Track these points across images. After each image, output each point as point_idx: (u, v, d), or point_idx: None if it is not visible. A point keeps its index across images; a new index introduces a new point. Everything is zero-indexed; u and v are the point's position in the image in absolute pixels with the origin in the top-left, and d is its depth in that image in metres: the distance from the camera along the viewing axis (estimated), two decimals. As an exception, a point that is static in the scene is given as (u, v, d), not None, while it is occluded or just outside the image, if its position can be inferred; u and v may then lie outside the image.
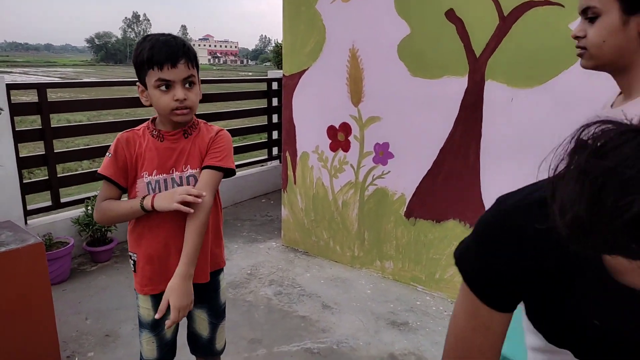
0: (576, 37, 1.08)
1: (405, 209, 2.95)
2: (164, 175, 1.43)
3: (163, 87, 1.33)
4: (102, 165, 1.42)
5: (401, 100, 2.82)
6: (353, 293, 2.94)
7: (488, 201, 2.63)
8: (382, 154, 2.99)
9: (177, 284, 1.35)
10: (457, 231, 2.77)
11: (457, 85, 2.60)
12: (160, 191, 1.42)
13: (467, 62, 2.55)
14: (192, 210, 1.35)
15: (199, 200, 1.35)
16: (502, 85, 2.47)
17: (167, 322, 1.35)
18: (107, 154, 1.42)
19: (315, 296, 2.89)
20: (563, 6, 2.23)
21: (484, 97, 2.54)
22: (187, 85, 1.36)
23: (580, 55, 1.09)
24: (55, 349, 2.19)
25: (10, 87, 2.92)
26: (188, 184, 1.45)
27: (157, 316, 1.36)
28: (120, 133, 1.45)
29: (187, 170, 1.44)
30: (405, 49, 2.75)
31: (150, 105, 1.40)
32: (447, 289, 2.87)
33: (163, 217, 1.42)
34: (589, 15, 1.02)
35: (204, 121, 1.53)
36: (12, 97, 2.96)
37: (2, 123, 2.68)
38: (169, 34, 1.38)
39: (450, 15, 2.56)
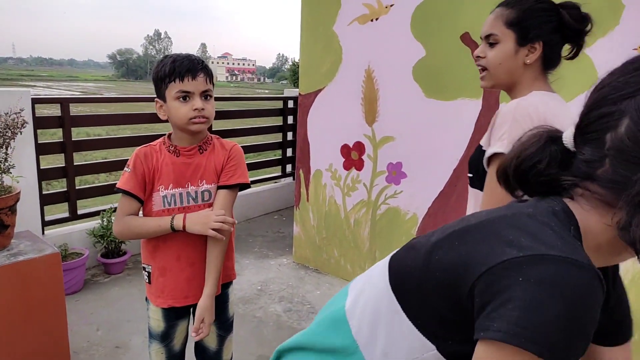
0: (477, 57, 1.36)
1: (417, 229, 2.94)
2: (180, 189, 1.47)
3: (182, 99, 1.40)
4: (121, 180, 1.46)
5: (415, 120, 2.84)
6: (363, 313, 2.92)
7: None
8: (395, 173, 3.00)
9: (209, 304, 1.46)
10: (469, 253, 2.75)
11: (471, 107, 2.62)
12: (175, 204, 1.47)
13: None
14: (224, 238, 1.44)
15: (232, 228, 1.46)
16: (516, 108, 2.48)
17: (199, 336, 1.47)
18: (126, 168, 1.46)
19: (325, 315, 2.88)
20: (578, 31, 2.24)
21: (498, 119, 2.54)
22: (205, 98, 1.43)
23: (482, 77, 1.36)
24: (66, 358, 2.21)
25: (35, 101, 3.01)
26: (203, 198, 1.50)
27: (195, 338, 1.48)
28: (138, 148, 1.49)
29: (203, 185, 1.49)
30: (420, 70, 2.78)
31: (167, 121, 1.47)
32: (459, 311, 2.83)
33: (181, 232, 1.46)
34: (491, 40, 1.32)
35: (217, 136, 1.58)
36: (35, 111, 3.06)
37: (25, 136, 2.76)
38: (189, 54, 1.46)
39: (466, 38, 2.59)
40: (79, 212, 3.43)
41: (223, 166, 1.51)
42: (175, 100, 1.40)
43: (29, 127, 2.89)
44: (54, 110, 3.43)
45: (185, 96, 1.40)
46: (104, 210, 3.37)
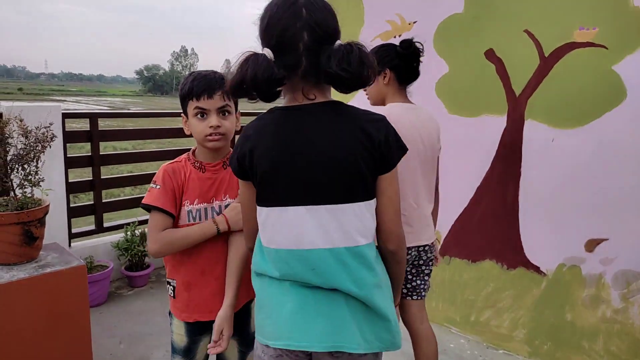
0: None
1: (440, 248, 2.90)
2: (205, 204, 1.50)
3: (200, 115, 1.45)
4: (151, 197, 1.45)
5: (438, 137, 2.82)
6: (384, 331, 2.87)
7: (527, 243, 2.56)
8: (418, 190, 2.97)
9: (229, 314, 1.45)
10: (493, 272, 2.69)
11: (495, 124, 2.59)
12: (200, 219, 1.49)
13: (506, 101, 2.54)
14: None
15: None
16: (542, 125, 2.44)
17: (215, 349, 1.42)
18: (153, 185, 1.48)
19: (346, 332, 2.84)
20: (607, 48, 2.20)
21: (524, 136, 2.50)
22: (222, 114, 1.46)
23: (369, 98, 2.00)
24: (89, 371, 2.23)
25: (65, 115, 3.10)
26: None
27: (211, 352, 1.44)
28: (165, 164, 1.52)
29: (226, 199, 1.52)
30: (443, 86, 2.76)
31: (191, 135, 1.52)
32: (483, 332, 2.77)
33: (202, 246, 1.48)
34: None
35: None
36: (65, 125, 3.15)
37: (55, 149, 2.84)
38: (212, 70, 1.49)
39: (490, 54, 2.57)
40: (105, 224, 3.50)
41: None
42: (194, 117, 1.46)
43: (59, 140, 2.97)
44: (83, 125, 3.52)
45: (203, 113, 1.45)
46: (129, 224, 3.43)
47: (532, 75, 2.44)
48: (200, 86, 1.43)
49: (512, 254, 2.61)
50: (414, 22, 2.84)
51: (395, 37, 2.94)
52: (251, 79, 1.02)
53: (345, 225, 1.09)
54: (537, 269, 2.54)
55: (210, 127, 1.44)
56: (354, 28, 3.13)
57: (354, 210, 1.10)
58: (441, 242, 2.89)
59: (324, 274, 1.09)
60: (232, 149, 1.46)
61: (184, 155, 1.56)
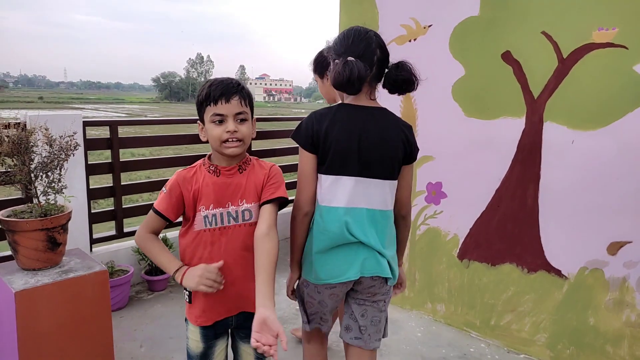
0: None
1: (458, 251, 2.88)
2: (221, 209, 1.50)
3: (217, 121, 1.46)
4: (157, 199, 1.53)
5: (455, 140, 2.81)
6: (403, 335, 2.86)
7: (548, 246, 2.53)
8: (435, 193, 2.96)
9: (275, 316, 1.30)
10: (513, 276, 2.66)
11: (514, 126, 2.56)
12: (216, 224, 1.51)
13: (524, 103, 2.52)
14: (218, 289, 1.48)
15: (220, 287, 1.48)
16: (561, 127, 2.42)
17: (273, 350, 1.24)
18: (163, 189, 1.53)
19: (364, 337, 2.84)
20: (627, 48, 2.17)
21: (543, 138, 2.48)
22: (239, 121, 1.47)
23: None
24: (111, 374, 2.27)
25: (86, 123, 3.17)
26: (243, 217, 1.53)
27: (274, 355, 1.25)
28: (178, 171, 1.54)
29: (243, 204, 1.52)
30: (459, 89, 2.75)
31: (207, 142, 1.52)
32: (504, 336, 2.74)
33: (221, 251, 1.50)
34: (316, 80, 2.31)
35: (256, 157, 1.63)
36: (86, 133, 3.21)
37: (77, 157, 2.90)
38: (228, 77, 1.51)
39: (507, 56, 2.55)
40: (125, 230, 3.55)
41: (263, 185, 1.54)
42: (211, 123, 1.47)
43: (80, 148, 3.03)
44: (101, 132, 3.58)
45: (220, 119, 1.45)
46: (148, 229, 3.47)
47: (551, 77, 2.42)
48: (217, 91, 1.44)
49: (532, 257, 2.58)
50: (429, 26, 2.84)
51: (410, 41, 2.94)
52: (356, 75, 1.50)
53: (383, 195, 1.60)
54: (558, 273, 2.51)
55: (228, 132, 1.44)
56: (369, 32, 3.14)
57: (388, 186, 1.62)
58: (460, 245, 2.87)
59: (361, 226, 1.57)
60: (248, 155, 1.59)
61: (200, 161, 1.57)
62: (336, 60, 1.58)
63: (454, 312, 2.95)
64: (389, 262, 1.62)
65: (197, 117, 1.55)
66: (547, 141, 2.47)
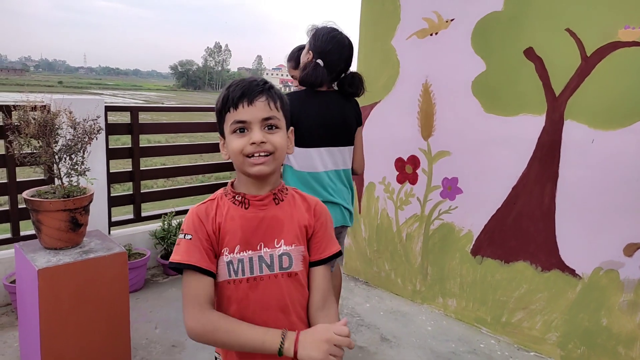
0: (292, 77, 2.74)
1: (472, 247, 2.88)
2: (250, 252, 1.13)
3: (239, 130, 1.11)
4: (181, 252, 1.11)
5: (473, 135, 2.80)
6: (413, 328, 2.88)
7: (563, 245, 2.52)
8: (450, 188, 2.96)
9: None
10: (527, 274, 2.66)
11: (533, 124, 2.55)
12: (244, 274, 1.12)
13: (545, 100, 2.50)
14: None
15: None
16: (582, 126, 2.39)
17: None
18: (181, 235, 1.14)
19: (374, 327, 2.87)
20: (652, 47, 2.14)
21: (563, 137, 2.46)
22: (268, 128, 1.11)
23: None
24: (127, 353, 2.33)
25: (107, 108, 3.22)
26: (281, 265, 1.14)
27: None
28: (194, 207, 1.17)
29: (280, 247, 1.15)
30: (480, 85, 2.74)
31: (229, 159, 1.16)
32: (515, 334, 2.74)
33: (249, 312, 1.13)
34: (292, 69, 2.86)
35: (294, 188, 1.28)
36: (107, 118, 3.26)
37: (99, 141, 2.95)
38: (252, 77, 1.17)
39: (529, 53, 2.53)
40: (142, 214, 3.61)
41: (309, 228, 1.19)
42: (232, 134, 1.12)
43: (102, 132, 3.09)
44: (118, 118, 3.63)
45: (242, 128, 1.11)
46: (166, 214, 3.54)
47: (573, 75, 2.40)
48: (237, 91, 1.11)
49: (547, 255, 2.58)
50: (451, 20, 2.82)
51: (431, 34, 2.93)
52: (320, 80, 2.05)
53: (346, 157, 2.18)
54: (572, 272, 2.50)
55: (252, 143, 1.09)
56: (390, 25, 3.13)
57: (348, 150, 2.19)
58: (473, 242, 2.87)
59: (335, 185, 2.14)
60: (283, 183, 1.23)
61: (220, 191, 1.20)
62: (309, 58, 2.12)
63: (465, 308, 2.95)
64: (350, 213, 2.23)
65: (214, 108, 1.19)
66: (567, 140, 2.45)
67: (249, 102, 1.09)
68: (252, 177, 1.13)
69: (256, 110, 1.10)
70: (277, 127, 1.13)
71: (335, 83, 2.17)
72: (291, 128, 1.21)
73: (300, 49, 2.66)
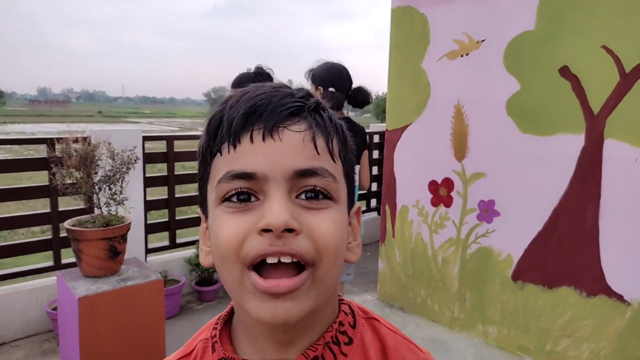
0: None
1: (512, 272, 2.78)
2: None
3: (237, 199, 0.51)
4: None
5: (509, 156, 2.73)
6: (452, 357, 2.78)
7: (609, 270, 2.40)
8: (487, 211, 2.88)
9: None
10: (571, 300, 2.54)
11: (572, 143, 2.47)
12: None
13: (583, 119, 2.43)
14: None
15: None
16: (624, 145, 2.30)
17: None
18: None
19: (412, 356, 2.78)
20: (697, 61, 2.06)
21: (603, 156, 2.37)
22: (304, 197, 0.51)
23: None
24: (163, 381, 2.34)
25: (145, 138, 3.32)
26: None
27: None
28: None
29: None
30: (514, 105, 2.69)
31: (212, 265, 0.57)
32: (560, 363, 2.61)
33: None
34: None
35: (372, 315, 0.64)
36: (145, 146, 3.37)
37: (136, 170, 3.04)
38: (279, 83, 0.58)
39: (565, 72, 2.47)
40: (177, 240, 3.67)
41: None
42: (219, 206, 0.52)
43: (139, 161, 3.18)
44: (155, 145, 3.74)
45: (246, 192, 0.51)
46: (199, 240, 3.58)
47: (612, 93, 2.32)
48: (243, 106, 0.52)
49: (592, 280, 2.46)
50: (482, 41, 2.80)
51: (462, 55, 2.91)
52: (340, 100, 2.26)
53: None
54: (620, 298, 2.37)
55: (264, 231, 0.48)
56: (420, 48, 3.13)
57: (357, 170, 2.28)
58: (514, 266, 2.77)
59: None
60: (344, 309, 0.60)
61: (202, 336, 0.62)
62: (321, 92, 2.30)
63: (507, 336, 2.84)
64: None
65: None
66: (607, 159, 2.36)
67: (268, 130, 0.50)
68: (257, 321, 0.50)
69: (282, 149, 0.50)
70: (327, 197, 0.52)
71: (346, 108, 2.47)
72: (358, 205, 0.62)
73: (242, 77, 2.64)
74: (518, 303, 2.77)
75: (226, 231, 0.50)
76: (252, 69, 2.69)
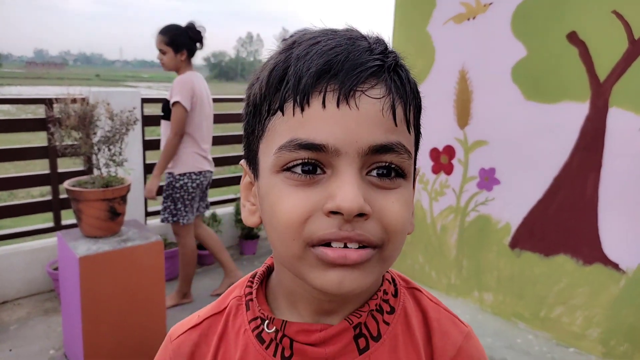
0: (160, 59, 2.85)
1: (510, 239, 2.80)
2: None
3: (302, 171, 0.45)
4: None
5: (512, 124, 2.71)
6: (448, 321, 2.84)
7: (606, 238, 2.41)
8: (488, 179, 2.87)
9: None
10: (567, 267, 2.57)
11: (576, 111, 2.44)
12: None
13: (589, 87, 2.39)
14: None
15: None
16: (628, 113, 2.28)
17: None
18: None
19: (408, 320, 2.84)
20: None
21: (607, 125, 2.35)
22: (377, 175, 0.47)
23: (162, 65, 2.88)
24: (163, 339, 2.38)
25: (144, 100, 3.28)
26: None
27: None
28: (173, 330, 0.65)
29: None
30: (520, 71, 2.64)
31: (258, 225, 0.55)
32: (554, 329, 2.66)
33: None
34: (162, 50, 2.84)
35: (414, 286, 0.63)
36: (144, 109, 3.32)
37: (135, 133, 3.02)
38: (351, 30, 0.50)
39: (573, 37, 2.42)
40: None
41: None
42: (279, 173, 0.47)
43: (138, 124, 3.15)
44: (154, 110, 3.70)
45: (314, 163, 0.45)
46: (199, 204, 3.59)
47: (619, 60, 2.28)
48: (316, 60, 0.44)
49: (589, 249, 2.48)
50: (490, 4, 2.73)
51: (469, 19, 2.83)
52: None
53: None
54: (615, 266, 2.40)
55: (333, 213, 0.44)
56: (426, 11, 3.05)
57: None
58: (512, 234, 2.79)
59: None
60: (388, 278, 0.60)
61: (235, 293, 0.61)
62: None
63: (502, 302, 2.88)
64: None
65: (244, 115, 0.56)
66: (611, 128, 2.34)
67: (344, 95, 0.44)
68: (319, 290, 0.47)
69: (358, 120, 0.44)
70: (401, 175, 0.48)
71: None
72: (418, 169, 0.60)
73: (178, 28, 2.80)
74: (514, 270, 2.80)
75: (289, 206, 0.45)
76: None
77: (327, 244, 0.44)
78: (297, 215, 0.44)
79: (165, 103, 2.84)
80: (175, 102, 2.71)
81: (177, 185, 2.81)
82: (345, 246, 0.44)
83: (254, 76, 0.51)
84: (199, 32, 2.85)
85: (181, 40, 2.78)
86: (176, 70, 2.87)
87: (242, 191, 0.56)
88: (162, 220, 2.88)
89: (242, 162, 0.56)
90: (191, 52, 2.85)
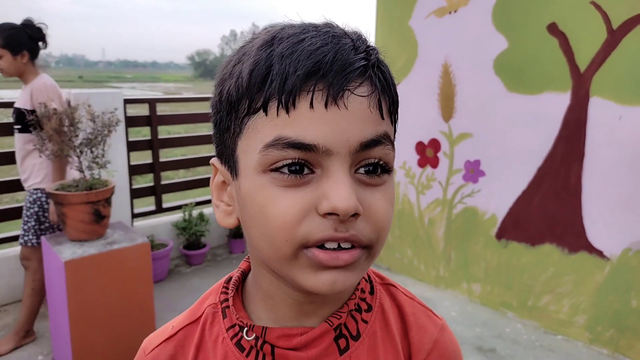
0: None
1: (496, 230, 2.83)
2: None
3: (286, 170, 0.43)
4: None
5: (496, 116, 2.73)
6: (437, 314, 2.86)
7: (590, 227, 2.45)
8: (473, 171, 2.90)
9: None
10: (553, 256, 2.60)
11: (558, 102, 2.47)
12: None
13: (570, 77, 2.42)
14: None
15: None
16: (609, 102, 2.31)
17: None
18: None
19: (398, 313, 2.85)
20: (685, 17, 2.04)
21: (589, 114, 2.38)
22: (365, 172, 0.46)
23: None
24: (153, 342, 2.37)
25: (126, 101, 3.24)
26: None
27: None
28: (148, 340, 0.61)
29: None
30: (502, 63, 2.66)
31: (236, 225, 0.53)
32: (541, 318, 2.69)
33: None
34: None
35: (389, 281, 0.63)
36: (126, 110, 3.29)
37: (118, 134, 2.98)
38: (331, 25, 0.48)
39: (553, 29, 2.44)
40: (163, 205, 3.65)
41: None
42: (265, 174, 0.44)
43: (121, 125, 3.11)
44: (138, 110, 3.68)
45: (302, 163, 0.43)
46: (186, 205, 3.56)
47: (599, 50, 2.31)
48: (301, 59, 0.42)
49: (573, 237, 2.51)
50: (471, -3, 2.74)
51: (450, 12, 2.85)
52: None
53: None
54: (600, 254, 2.43)
55: (329, 214, 0.43)
56: (407, 5, 3.06)
57: None
58: (498, 225, 2.82)
59: None
60: (366, 277, 0.59)
61: (210, 300, 0.60)
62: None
63: (490, 292, 2.91)
64: None
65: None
66: (593, 117, 2.37)
67: (333, 97, 0.42)
68: (310, 291, 0.46)
69: (347, 119, 0.43)
70: (387, 171, 0.48)
71: None
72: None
73: (13, 27, 2.37)
74: (502, 261, 2.83)
75: (282, 208, 0.43)
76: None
77: (321, 245, 0.44)
78: (292, 217, 0.43)
79: (19, 113, 2.37)
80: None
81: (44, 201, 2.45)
82: (339, 246, 0.44)
83: (224, 70, 0.49)
84: (39, 29, 2.44)
85: (19, 40, 2.36)
86: (19, 76, 2.41)
87: (214, 191, 0.54)
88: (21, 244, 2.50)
89: (214, 160, 0.53)
90: (34, 54, 2.42)
